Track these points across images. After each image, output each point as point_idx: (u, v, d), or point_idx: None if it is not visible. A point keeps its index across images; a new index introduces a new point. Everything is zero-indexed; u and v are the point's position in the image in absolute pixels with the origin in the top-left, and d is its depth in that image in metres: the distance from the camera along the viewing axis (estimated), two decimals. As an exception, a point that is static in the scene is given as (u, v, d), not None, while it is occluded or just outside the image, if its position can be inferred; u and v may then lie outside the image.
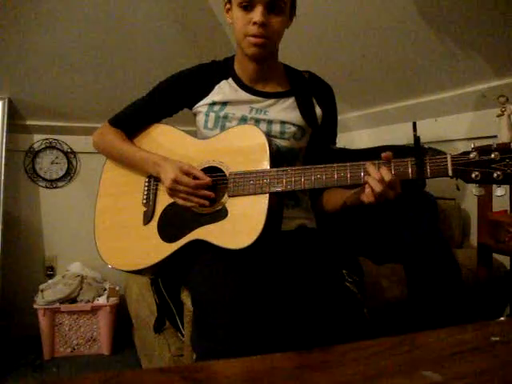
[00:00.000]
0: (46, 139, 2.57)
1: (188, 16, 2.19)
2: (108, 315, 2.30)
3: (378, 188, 0.93)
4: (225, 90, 1.23)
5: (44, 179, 2.58)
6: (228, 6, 1.19)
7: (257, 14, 1.08)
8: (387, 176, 0.93)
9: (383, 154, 0.96)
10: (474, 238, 1.84)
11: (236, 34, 1.16)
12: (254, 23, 1.08)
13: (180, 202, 1.14)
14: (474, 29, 1.53)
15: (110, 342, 2.33)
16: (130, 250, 1.21)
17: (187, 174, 1.13)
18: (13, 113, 2.38)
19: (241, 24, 1.12)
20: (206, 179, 1.12)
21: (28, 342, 2.32)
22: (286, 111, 1.22)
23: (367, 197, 0.96)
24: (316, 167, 1.03)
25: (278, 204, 1.11)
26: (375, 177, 0.94)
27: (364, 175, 0.97)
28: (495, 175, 0.88)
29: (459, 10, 1.48)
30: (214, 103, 1.23)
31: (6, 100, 2.32)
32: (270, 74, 1.24)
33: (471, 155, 0.90)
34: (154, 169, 1.20)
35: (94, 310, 2.30)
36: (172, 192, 1.14)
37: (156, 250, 1.15)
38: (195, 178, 1.13)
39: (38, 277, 2.52)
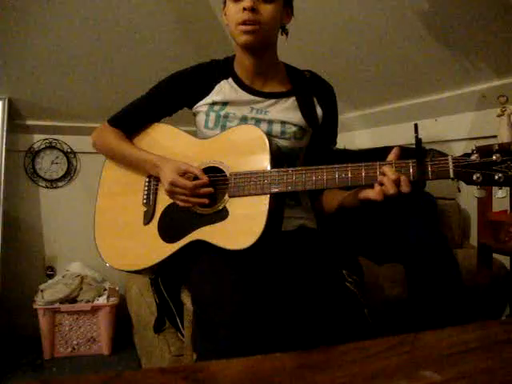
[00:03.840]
0: (46, 139, 2.57)
1: (188, 16, 2.19)
2: (108, 315, 2.30)
3: (392, 190, 0.93)
4: (225, 89, 1.23)
5: (44, 179, 2.58)
6: (223, 6, 1.20)
7: (246, 0, 1.09)
8: (402, 178, 0.94)
9: (395, 149, 0.98)
10: (474, 238, 1.84)
11: (230, 27, 1.16)
12: (244, 9, 1.09)
13: (180, 204, 1.14)
14: (473, 29, 1.53)
15: (110, 342, 2.32)
16: (130, 250, 1.21)
17: (185, 173, 1.13)
18: (13, 113, 2.38)
19: (233, 14, 1.13)
20: (204, 178, 1.12)
21: (28, 342, 2.32)
22: (286, 111, 1.22)
23: (377, 194, 0.96)
24: (317, 168, 1.03)
25: (279, 205, 1.11)
26: (392, 177, 0.94)
27: (379, 175, 0.97)
28: (496, 177, 0.88)
29: (459, 10, 1.49)
30: (214, 103, 1.23)
31: (6, 100, 2.32)
32: (270, 73, 1.24)
33: (472, 157, 0.90)
34: (153, 170, 1.20)
35: (94, 310, 2.30)
36: (171, 195, 1.14)
37: (156, 250, 1.15)
38: (195, 177, 1.13)
39: (38, 277, 2.51)
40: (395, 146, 1.00)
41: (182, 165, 1.14)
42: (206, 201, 1.11)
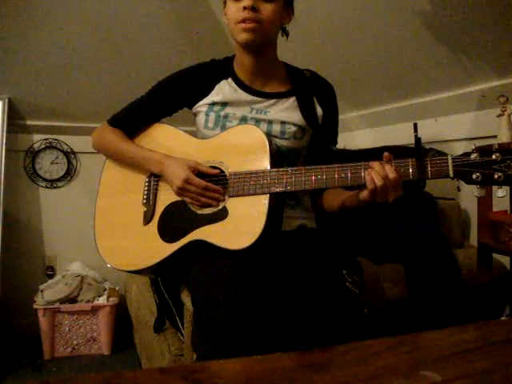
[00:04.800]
0: (46, 139, 2.57)
1: (188, 16, 2.19)
2: (108, 315, 2.30)
3: (380, 183, 0.93)
4: (224, 90, 1.23)
5: (44, 179, 2.58)
6: (223, 6, 1.20)
7: None
8: (391, 174, 0.94)
9: (385, 154, 0.97)
10: (474, 238, 1.84)
11: (230, 25, 1.16)
12: (244, 8, 1.09)
13: (188, 200, 1.14)
14: (473, 29, 1.53)
15: (110, 342, 2.32)
16: (130, 250, 1.21)
17: (195, 170, 1.13)
18: (13, 113, 2.38)
19: (233, 13, 1.13)
20: (213, 171, 1.13)
21: (28, 342, 2.32)
22: (286, 111, 1.21)
23: (368, 193, 0.96)
24: (316, 168, 1.03)
25: (279, 204, 1.11)
26: (380, 173, 0.94)
27: (369, 171, 0.96)
28: (496, 176, 0.87)
29: (459, 10, 1.49)
30: (214, 103, 1.23)
31: (6, 100, 2.32)
32: (270, 72, 1.23)
33: (472, 156, 0.90)
34: (157, 167, 1.20)
35: (94, 310, 2.30)
36: (182, 191, 1.14)
37: (156, 250, 1.15)
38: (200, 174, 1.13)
39: (38, 277, 2.52)
40: (386, 150, 1.00)
41: (191, 162, 1.14)
42: (214, 203, 1.10)
